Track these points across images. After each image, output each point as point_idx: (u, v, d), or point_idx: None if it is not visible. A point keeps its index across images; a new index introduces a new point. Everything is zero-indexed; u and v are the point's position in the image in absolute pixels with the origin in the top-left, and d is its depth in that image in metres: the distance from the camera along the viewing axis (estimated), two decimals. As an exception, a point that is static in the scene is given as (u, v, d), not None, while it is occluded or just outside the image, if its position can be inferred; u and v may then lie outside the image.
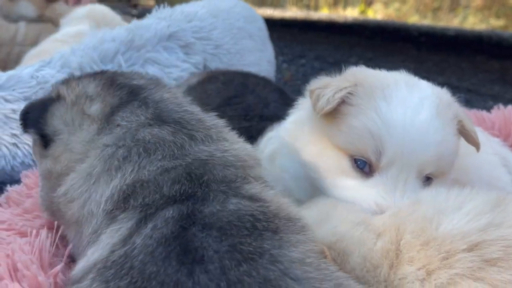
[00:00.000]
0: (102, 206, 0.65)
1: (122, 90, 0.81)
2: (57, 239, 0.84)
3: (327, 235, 0.75)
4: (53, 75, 1.38)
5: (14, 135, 1.32)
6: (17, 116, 1.32)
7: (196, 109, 0.83)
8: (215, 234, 0.57)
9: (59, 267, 0.75)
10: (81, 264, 0.62)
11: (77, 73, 1.38)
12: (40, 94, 1.34)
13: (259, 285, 0.53)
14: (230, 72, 1.41)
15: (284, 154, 0.92)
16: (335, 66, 0.91)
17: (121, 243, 0.59)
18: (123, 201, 0.64)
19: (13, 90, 1.35)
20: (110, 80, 0.84)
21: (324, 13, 9.01)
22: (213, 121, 0.81)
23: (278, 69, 3.45)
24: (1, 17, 2.28)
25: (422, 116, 0.79)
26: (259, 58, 1.99)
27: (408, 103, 0.80)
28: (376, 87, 0.83)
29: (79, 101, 0.81)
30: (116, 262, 0.57)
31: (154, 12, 1.75)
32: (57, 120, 0.80)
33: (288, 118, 0.97)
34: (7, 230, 0.88)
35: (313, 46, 4.69)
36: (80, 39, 1.90)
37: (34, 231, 0.85)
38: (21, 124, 0.84)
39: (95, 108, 0.79)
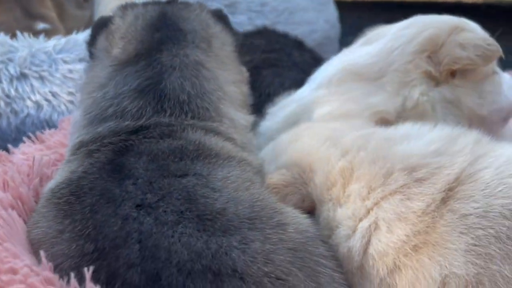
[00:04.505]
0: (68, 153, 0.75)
1: (144, 40, 0.80)
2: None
3: (294, 152, 0.75)
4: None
5: (70, 93, 1.45)
6: (73, 75, 1.52)
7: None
8: (145, 159, 0.64)
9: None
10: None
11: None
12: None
13: (179, 191, 0.58)
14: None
15: None
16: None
17: (70, 173, 0.66)
18: (76, 150, 0.72)
19: (71, 53, 1.50)
20: (155, 18, 0.83)
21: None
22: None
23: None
24: None
25: None
26: (314, 17, 1.91)
27: None
28: None
29: (112, 34, 0.83)
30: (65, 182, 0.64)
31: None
32: (98, 44, 0.84)
33: None
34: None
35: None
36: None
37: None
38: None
39: (115, 52, 0.81)
